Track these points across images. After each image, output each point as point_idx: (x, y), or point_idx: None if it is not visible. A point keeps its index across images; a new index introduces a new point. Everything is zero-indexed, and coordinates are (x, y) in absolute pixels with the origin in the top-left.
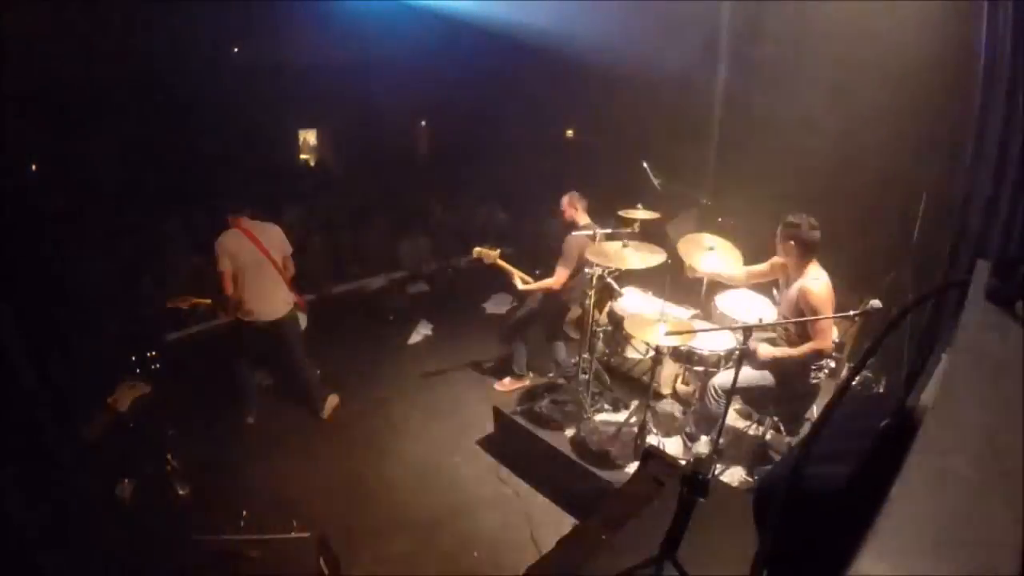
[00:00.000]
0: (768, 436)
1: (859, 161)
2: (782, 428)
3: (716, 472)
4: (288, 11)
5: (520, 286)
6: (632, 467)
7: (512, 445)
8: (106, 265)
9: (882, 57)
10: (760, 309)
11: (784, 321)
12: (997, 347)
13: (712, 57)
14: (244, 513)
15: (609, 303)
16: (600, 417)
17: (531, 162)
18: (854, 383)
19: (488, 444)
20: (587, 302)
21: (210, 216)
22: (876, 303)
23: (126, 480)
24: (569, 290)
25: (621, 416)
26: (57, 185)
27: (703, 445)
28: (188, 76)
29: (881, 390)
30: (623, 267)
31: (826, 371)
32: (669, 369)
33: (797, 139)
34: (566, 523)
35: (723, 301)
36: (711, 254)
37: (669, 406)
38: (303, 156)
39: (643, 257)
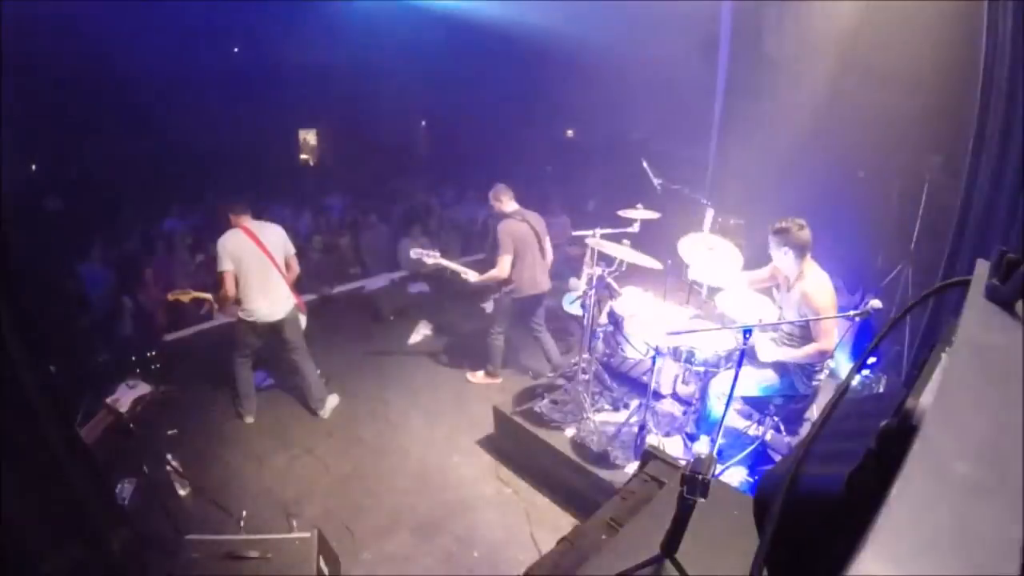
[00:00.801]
0: (768, 436)
1: (859, 161)
2: (782, 428)
3: (716, 472)
4: (288, 11)
5: (472, 280)
6: (632, 467)
7: (512, 445)
8: (107, 265)
9: (882, 57)
10: (760, 309)
11: (784, 322)
12: (997, 347)
13: (712, 57)
14: (244, 513)
15: (609, 303)
16: (600, 417)
17: (531, 162)
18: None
19: (488, 444)
20: (587, 302)
21: (210, 216)
22: (876, 303)
23: (126, 480)
24: (525, 279)
25: (621, 416)
26: (57, 185)
27: (703, 445)
28: (188, 76)
29: (881, 390)
30: (624, 257)
31: (826, 371)
32: (669, 369)
33: (797, 139)
34: (566, 523)
35: (723, 301)
36: (711, 254)
37: (669, 406)
38: (303, 156)
39: (642, 258)
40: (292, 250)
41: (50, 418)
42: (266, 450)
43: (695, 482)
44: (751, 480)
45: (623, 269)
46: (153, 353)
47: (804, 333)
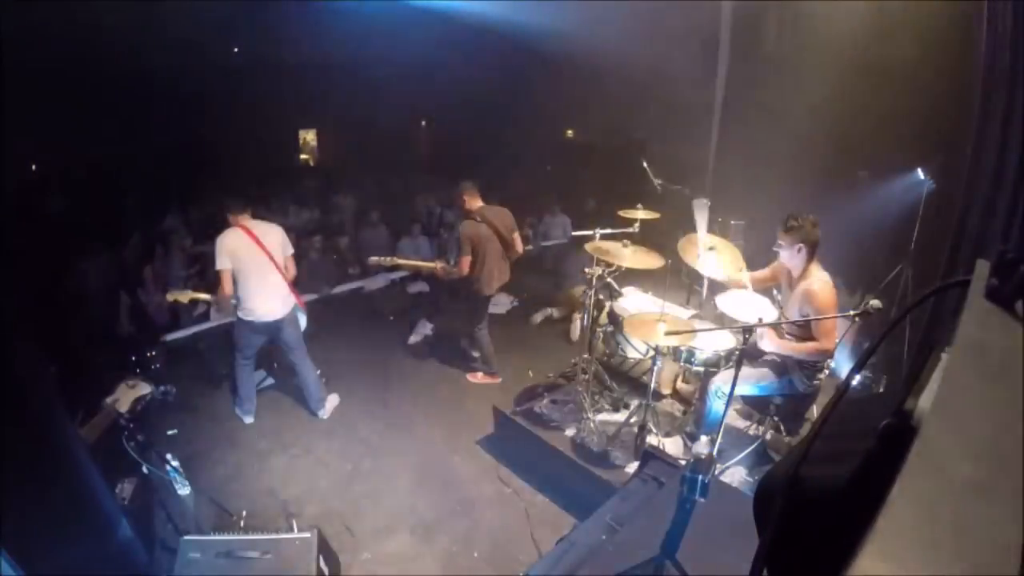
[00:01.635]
0: (768, 436)
1: (859, 161)
2: (782, 428)
3: (716, 472)
4: (288, 11)
5: (439, 273)
6: (632, 467)
7: (512, 445)
8: (106, 265)
9: (882, 57)
10: (760, 309)
11: (784, 321)
12: (997, 347)
13: (712, 57)
14: (244, 513)
15: (609, 303)
16: (600, 417)
17: (532, 162)
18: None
19: (488, 444)
20: (588, 302)
21: (210, 215)
22: (876, 303)
23: (126, 480)
24: (485, 276)
25: (621, 416)
26: (57, 185)
27: (703, 445)
28: (188, 76)
29: (881, 390)
30: (623, 264)
31: (826, 371)
32: (669, 369)
33: (797, 139)
34: (566, 523)
35: (723, 301)
36: (711, 254)
37: (669, 406)
38: (303, 156)
39: (642, 259)
40: (291, 250)
41: (50, 418)
42: (266, 450)
43: (695, 482)
44: (751, 480)
45: (623, 269)
46: (153, 353)
47: (804, 333)
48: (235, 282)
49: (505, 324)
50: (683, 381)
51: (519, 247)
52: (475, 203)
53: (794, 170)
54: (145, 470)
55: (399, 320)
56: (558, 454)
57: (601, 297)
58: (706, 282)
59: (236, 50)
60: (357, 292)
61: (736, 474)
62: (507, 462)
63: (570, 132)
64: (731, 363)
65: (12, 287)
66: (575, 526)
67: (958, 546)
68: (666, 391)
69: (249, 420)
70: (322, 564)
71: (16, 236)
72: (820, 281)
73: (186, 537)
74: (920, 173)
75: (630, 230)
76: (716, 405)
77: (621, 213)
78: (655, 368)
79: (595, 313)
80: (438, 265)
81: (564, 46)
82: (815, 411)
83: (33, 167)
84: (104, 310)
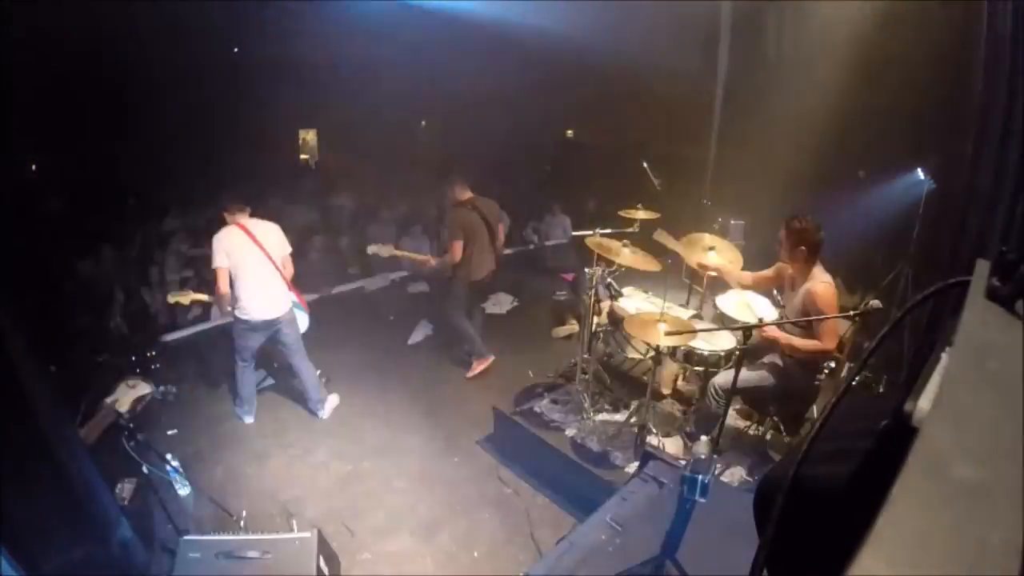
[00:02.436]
0: (768, 436)
1: (859, 161)
2: (782, 428)
3: (716, 472)
4: (289, 11)
5: (432, 265)
6: (632, 467)
7: (512, 445)
8: (106, 265)
9: (883, 57)
10: (760, 309)
11: (785, 321)
12: (997, 347)
13: (712, 57)
14: (244, 513)
15: (609, 303)
16: (600, 417)
17: (532, 162)
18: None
19: (488, 444)
20: (588, 302)
21: (210, 215)
22: (876, 303)
23: (126, 480)
24: (474, 264)
25: (621, 416)
26: (57, 185)
27: (703, 445)
28: (188, 76)
29: (881, 390)
30: (623, 262)
31: (826, 371)
32: (669, 369)
33: (796, 139)
34: (566, 523)
35: (723, 301)
36: (711, 254)
37: (669, 406)
38: (303, 156)
39: (641, 259)
40: (288, 249)
41: (50, 418)
42: (266, 450)
43: (695, 482)
44: (751, 480)
45: (623, 269)
46: (153, 353)
47: (806, 333)
48: (232, 281)
49: (505, 324)
50: (683, 381)
51: (501, 240)
52: (464, 194)
53: (794, 170)
54: (145, 470)
55: (399, 320)
56: (558, 454)
57: (601, 297)
58: (705, 282)
59: (236, 50)
60: (357, 292)
61: (736, 474)
62: (507, 462)
63: (570, 132)
64: (731, 363)
65: (12, 287)
66: (575, 526)
67: (958, 546)
68: (666, 391)
69: (249, 420)
70: (322, 564)
71: (16, 236)
72: (823, 283)
73: (186, 537)
74: (920, 173)
75: (630, 230)
76: (716, 405)
77: (621, 213)
78: (655, 368)
79: (595, 312)
80: (431, 258)
81: (564, 46)
82: (815, 411)
83: (33, 167)
84: (104, 310)
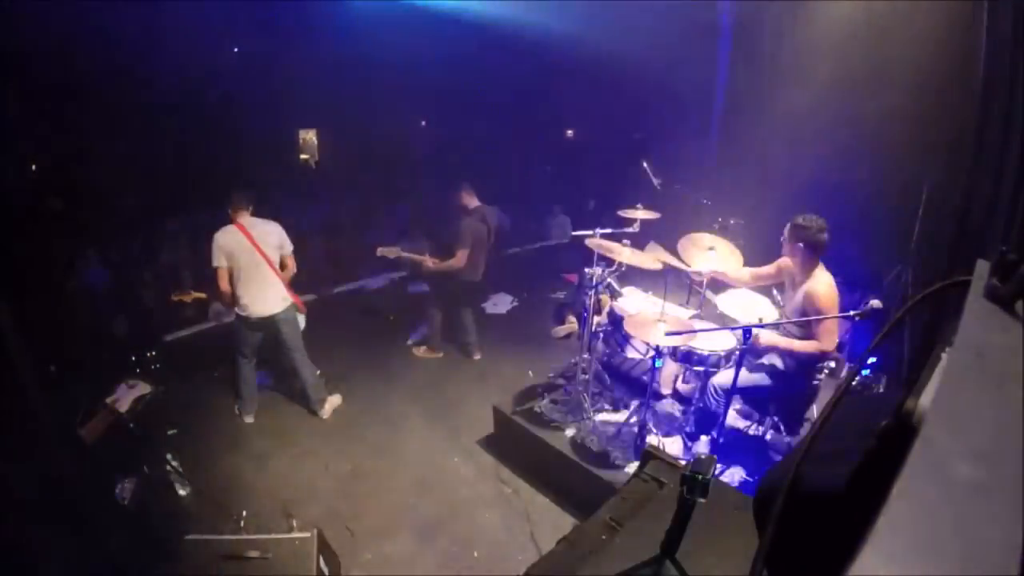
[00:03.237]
0: (768, 436)
1: (859, 160)
2: (782, 428)
3: (716, 472)
4: (288, 11)
5: (431, 267)
6: (632, 467)
7: (512, 445)
8: (106, 265)
9: (882, 58)
10: (760, 309)
11: (785, 321)
12: (997, 347)
13: (712, 57)
14: (244, 513)
15: (609, 303)
16: (600, 417)
17: (532, 162)
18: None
19: (488, 444)
20: (588, 301)
21: (210, 215)
22: (876, 303)
23: (126, 480)
24: (469, 268)
25: (621, 416)
26: (57, 185)
27: (703, 445)
28: (188, 76)
29: (881, 390)
30: (622, 260)
31: (826, 371)
32: (669, 369)
33: (796, 138)
34: (566, 523)
35: (723, 301)
36: (711, 254)
37: (669, 406)
38: (303, 156)
39: (641, 258)
40: (290, 248)
41: (50, 418)
42: (266, 450)
43: (695, 482)
44: (751, 480)
45: (623, 269)
46: (153, 353)
47: (804, 333)
48: (232, 280)
49: (505, 324)
50: (683, 381)
51: (492, 243)
52: (472, 202)
53: (794, 170)
54: (145, 470)
55: (399, 320)
56: (558, 454)
57: (601, 296)
58: (705, 282)
59: (236, 50)
60: (357, 292)
61: (736, 474)
62: (507, 462)
63: (570, 132)
64: (731, 363)
65: (12, 287)
66: (575, 526)
67: (958, 546)
68: (666, 391)
69: (249, 420)
70: (322, 564)
71: (16, 236)
72: (823, 283)
73: (186, 537)
74: (920, 173)
75: (630, 230)
76: (716, 405)
77: (621, 213)
78: (655, 368)
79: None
80: (430, 259)
81: (564, 46)
82: (815, 411)
83: (33, 167)
84: (104, 310)
